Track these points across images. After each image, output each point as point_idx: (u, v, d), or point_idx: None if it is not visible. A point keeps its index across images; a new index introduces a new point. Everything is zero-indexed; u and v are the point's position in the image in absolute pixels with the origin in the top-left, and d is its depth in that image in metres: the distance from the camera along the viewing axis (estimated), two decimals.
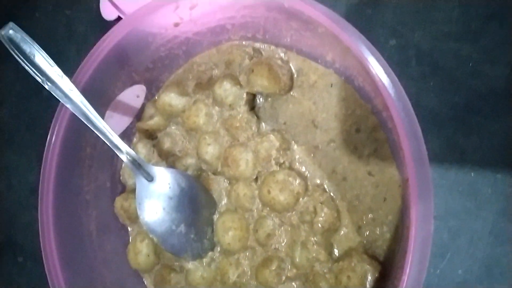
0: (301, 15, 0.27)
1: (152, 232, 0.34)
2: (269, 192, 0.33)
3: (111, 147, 0.33)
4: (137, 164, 0.33)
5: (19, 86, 0.55)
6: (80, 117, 0.32)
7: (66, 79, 0.33)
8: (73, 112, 0.32)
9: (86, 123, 0.33)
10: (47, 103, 0.53)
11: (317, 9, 0.26)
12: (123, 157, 0.33)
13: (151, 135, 0.40)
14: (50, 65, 0.33)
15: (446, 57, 0.32)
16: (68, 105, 0.32)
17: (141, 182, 0.34)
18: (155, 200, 0.34)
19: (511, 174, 0.29)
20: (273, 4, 0.29)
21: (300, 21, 0.29)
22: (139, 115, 0.41)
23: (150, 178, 0.34)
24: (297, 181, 0.33)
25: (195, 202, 0.35)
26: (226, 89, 0.35)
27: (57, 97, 0.33)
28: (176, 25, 0.34)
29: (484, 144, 0.30)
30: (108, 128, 0.33)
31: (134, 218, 0.39)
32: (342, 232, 0.33)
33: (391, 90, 0.24)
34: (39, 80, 0.33)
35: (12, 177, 0.55)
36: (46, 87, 0.33)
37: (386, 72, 0.24)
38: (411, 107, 0.24)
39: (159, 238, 0.34)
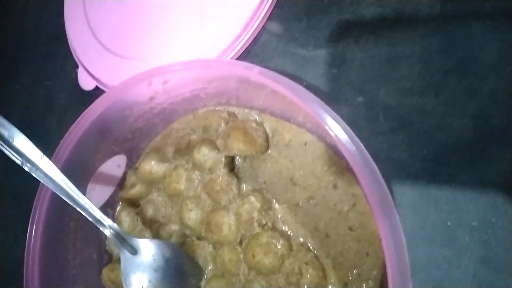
0: (266, 87, 0.28)
1: None
2: (253, 256, 0.33)
3: (94, 222, 0.33)
4: (120, 238, 0.33)
5: (1, 161, 0.55)
6: (61, 196, 0.33)
7: (46, 159, 0.33)
8: (54, 191, 0.33)
9: (67, 201, 0.33)
10: (31, 176, 0.54)
11: (279, 82, 0.27)
12: (107, 232, 0.33)
13: (134, 203, 0.41)
14: (30, 146, 0.33)
15: (412, 112, 0.33)
16: (49, 185, 0.33)
17: (125, 256, 0.34)
18: (140, 273, 0.34)
19: (485, 221, 0.30)
20: (240, 78, 0.30)
21: (267, 92, 0.30)
22: (121, 183, 0.41)
23: (134, 251, 0.34)
24: (281, 242, 0.33)
25: (181, 271, 0.35)
26: (204, 154, 0.36)
27: (37, 178, 0.33)
28: (151, 98, 0.35)
29: (456, 194, 0.31)
30: (90, 204, 0.33)
31: None
32: None
33: (356, 157, 0.25)
34: (18, 162, 0.33)
35: None
36: (26, 169, 0.33)
37: (349, 138, 0.25)
38: (377, 169, 0.25)
39: None
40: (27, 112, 0.55)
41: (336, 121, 0.26)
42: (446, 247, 0.31)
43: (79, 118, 0.35)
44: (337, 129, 0.26)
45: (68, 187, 0.33)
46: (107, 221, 0.33)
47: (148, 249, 0.34)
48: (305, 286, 0.32)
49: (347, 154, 0.25)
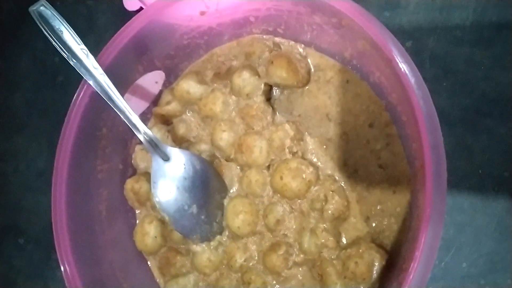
0: (326, 7, 0.28)
1: (165, 211, 0.34)
2: (281, 178, 0.34)
3: (130, 126, 0.34)
4: (153, 144, 0.34)
5: (34, 74, 0.56)
6: (101, 95, 0.33)
7: (91, 57, 0.34)
8: (95, 89, 0.33)
9: (107, 101, 0.33)
10: (61, 91, 0.54)
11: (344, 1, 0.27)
12: (141, 137, 0.34)
13: (166, 121, 0.41)
14: (77, 43, 0.34)
15: (459, 62, 0.33)
16: (90, 82, 0.33)
17: (157, 162, 0.34)
18: (169, 179, 0.34)
19: None
20: None
21: (324, 14, 0.30)
22: (155, 101, 0.42)
23: (166, 158, 0.34)
24: (310, 169, 0.34)
25: (207, 184, 0.36)
26: (244, 79, 0.37)
27: (81, 74, 0.34)
28: (202, 13, 0.36)
29: (491, 145, 0.31)
30: (128, 107, 0.34)
31: (143, 201, 0.40)
32: (351, 221, 0.33)
33: (411, 79, 0.25)
34: (65, 55, 0.34)
35: (20, 161, 0.55)
36: (71, 63, 0.34)
37: (407, 62, 0.26)
38: (430, 97, 0.25)
39: (171, 217, 0.34)
40: None
41: (400, 51, 0.26)
42: (474, 194, 0.31)
43: (125, 25, 0.35)
44: (400, 57, 0.26)
45: (109, 87, 0.33)
46: (142, 126, 0.34)
47: (179, 158, 0.35)
48: (329, 212, 0.32)
49: (407, 84, 0.26)
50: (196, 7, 0.35)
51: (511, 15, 0.33)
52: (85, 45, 0.53)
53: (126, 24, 0.36)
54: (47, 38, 0.59)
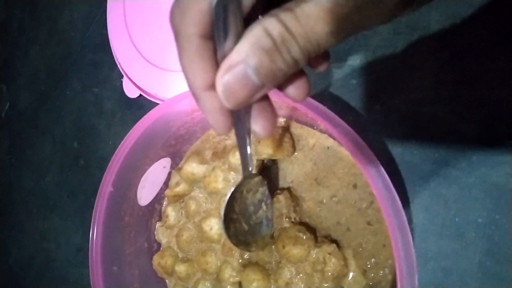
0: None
1: None
2: (283, 247, 0.38)
3: None
4: None
5: (59, 158, 0.63)
6: None
7: None
8: None
9: None
10: (84, 172, 0.60)
11: (304, 103, 0.32)
12: None
13: (178, 199, 0.46)
14: None
15: (424, 119, 0.37)
16: None
17: None
18: None
19: (490, 218, 0.33)
20: None
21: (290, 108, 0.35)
22: (166, 181, 0.47)
23: None
24: (307, 235, 0.38)
25: None
26: (238, 158, 0.41)
27: None
28: (193, 111, 0.40)
29: (464, 193, 0.34)
30: None
31: (171, 272, 0.45)
32: (351, 276, 0.37)
33: (370, 169, 0.29)
34: None
35: (59, 238, 0.62)
36: None
37: (364, 153, 0.30)
38: (389, 180, 0.29)
39: None
40: (78, 115, 0.62)
41: (350, 134, 0.31)
42: (454, 241, 0.35)
43: (131, 130, 0.41)
44: (351, 143, 0.30)
45: None
46: None
47: None
48: (329, 273, 0.37)
49: (362, 167, 0.30)
50: (186, 107, 0.40)
51: (464, 72, 0.36)
52: (98, 128, 0.60)
53: (132, 128, 0.41)
54: (64, 122, 0.65)
